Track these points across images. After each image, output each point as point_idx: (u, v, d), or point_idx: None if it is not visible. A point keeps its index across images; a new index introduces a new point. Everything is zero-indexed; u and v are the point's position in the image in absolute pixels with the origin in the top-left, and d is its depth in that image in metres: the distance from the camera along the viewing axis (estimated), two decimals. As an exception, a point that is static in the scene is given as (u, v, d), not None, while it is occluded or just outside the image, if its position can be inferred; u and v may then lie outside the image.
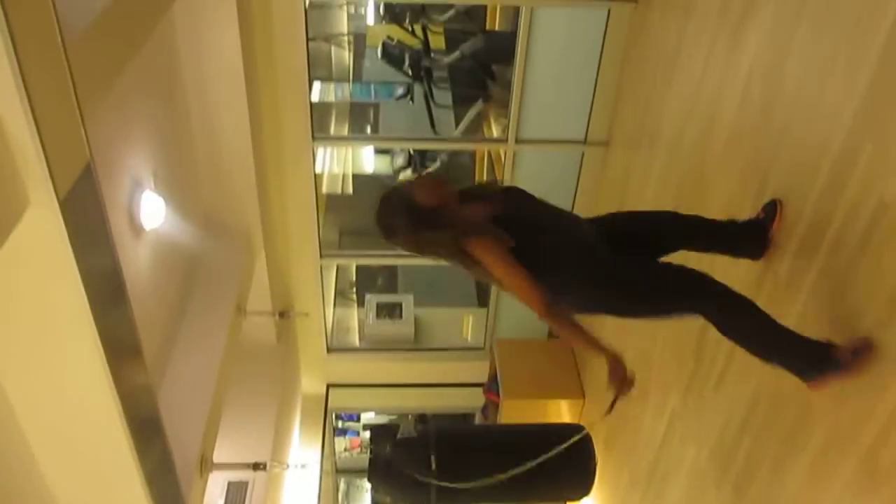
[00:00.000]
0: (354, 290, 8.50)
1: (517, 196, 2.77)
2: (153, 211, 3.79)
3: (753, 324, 2.63)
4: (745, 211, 3.27)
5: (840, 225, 2.62)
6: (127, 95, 3.51)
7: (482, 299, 7.23)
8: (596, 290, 2.63)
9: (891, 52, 2.38)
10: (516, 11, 5.06)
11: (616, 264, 2.64)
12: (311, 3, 5.21)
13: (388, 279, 8.66)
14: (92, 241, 2.51)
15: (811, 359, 2.54)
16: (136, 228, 3.74)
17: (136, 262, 3.82)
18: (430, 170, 2.35)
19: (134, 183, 3.72)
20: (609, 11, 4.93)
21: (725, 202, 3.48)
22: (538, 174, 5.92)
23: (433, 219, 2.50)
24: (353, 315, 7.68)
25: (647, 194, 4.62)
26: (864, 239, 2.48)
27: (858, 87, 2.53)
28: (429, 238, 2.54)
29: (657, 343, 4.37)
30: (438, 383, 7.13)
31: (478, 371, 6.81)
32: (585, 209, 5.89)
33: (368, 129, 9.66)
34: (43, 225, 2.19)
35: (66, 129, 2.17)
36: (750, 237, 3.04)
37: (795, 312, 2.87)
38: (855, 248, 2.53)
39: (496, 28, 7.60)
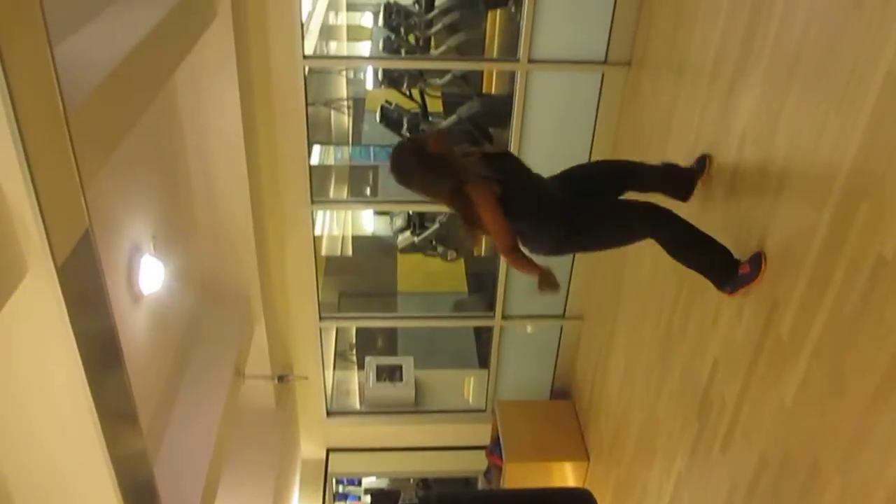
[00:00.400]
0: (354, 351, 8.45)
1: (502, 158, 3.32)
2: (152, 275, 3.78)
3: (695, 249, 3.35)
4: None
5: (841, 282, 2.61)
6: (128, 159, 3.55)
7: (483, 360, 7.18)
8: (560, 230, 3.24)
9: (881, 111, 2.41)
10: (512, 76, 5.14)
11: (576, 206, 3.27)
12: (310, 70, 5.28)
13: (388, 340, 8.62)
14: (88, 306, 2.49)
15: (730, 276, 3.26)
16: (135, 293, 3.73)
17: (134, 327, 3.80)
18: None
19: (133, 247, 3.73)
20: (603, 75, 5.01)
21: (725, 260, 3.47)
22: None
23: (440, 164, 3.04)
24: (354, 377, 7.61)
25: (645, 254, 4.62)
26: (865, 296, 2.47)
27: (851, 145, 2.55)
28: (435, 179, 3.06)
29: (661, 398, 4.32)
30: (440, 447, 7.03)
31: (480, 433, 6.72)
32: (584, 266, 5.90)
33: (368, 191, 9.74)
34: (39, 291, 2.18)
35: (65, 195, 2.18)
36: (681, 183, 3.67)
37: (799, 373, 2.84)
38: (857, 306, 2.52)
39: (492, 92, 7.72)
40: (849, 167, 2.57)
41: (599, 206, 3.34)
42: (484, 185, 3.03)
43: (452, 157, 3.10)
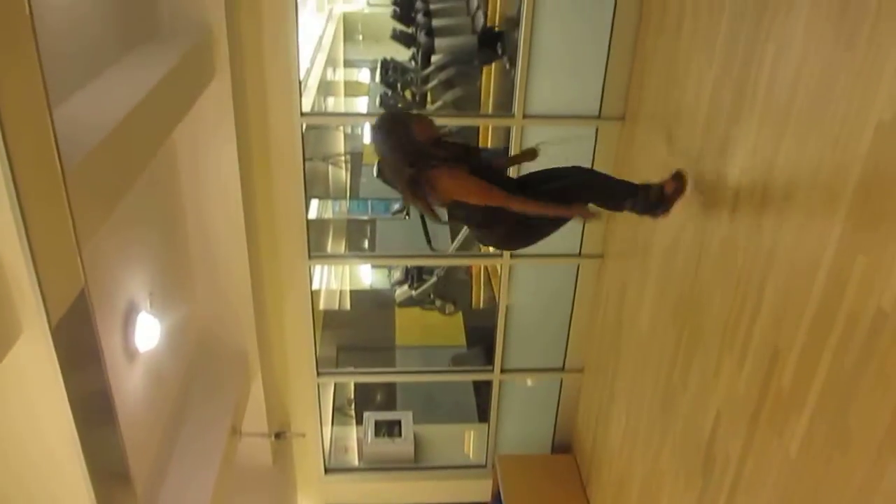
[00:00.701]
0: (353, 406, 8.37)
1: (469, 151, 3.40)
2: (148, 333, 3.76)
3: (628, 201, 3.68)
4: (744, 324, 3.27)
5: (841, 333, 2.59)
6: (125, 215, 3.55)
7: (483, 414, 7.09)
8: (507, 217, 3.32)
9: (874, 161, 2.43)
10: (508, 131, 5.19)
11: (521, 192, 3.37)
12: (308, 125, 5.34)
13: (386, 395, 8.54)
14: (82, 366, 2.48)
15: (656, 205, 3.68)
16: (130, 350, 3.71)
17: (129, 384, 3.76)
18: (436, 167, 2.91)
19: (129, 304, 3.71)
20: (597, 130, 5.07)
21: (726, 313, 3.46)
22: (534, 287, 5.94)
23: (418, 150, 3.11)
24: (352, 433, 7.52)
25: (643, 307, 4.62)
26: (866, 348, 2.46)
27: (845, 196, 2.56)
28: (403, 163, 3.11)
29: (664, 453, 4.26)
30: (441, 503, 6.90)
31: (481, 489, 6.61)
32: (583, 318, 5.88)
33: (366, 244, 9.78)
34: (33, 352, 2.17)
35: (61, 256, 2.18)
36: (656, 204, 3.76)
37: (803, 426, 2.81)
38: (858, 358, 2.50)
39: (489, 146, 7.79)
40: (843, 219, 2.58)
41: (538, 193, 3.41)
42: (457, 168, 3.13)
43: (431, 146, 3.16)
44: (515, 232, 3.47)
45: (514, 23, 5.72)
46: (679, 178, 3.76)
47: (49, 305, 2.08)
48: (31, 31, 1.94)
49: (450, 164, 3.14)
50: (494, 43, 7.47)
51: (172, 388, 4.48)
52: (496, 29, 7.59)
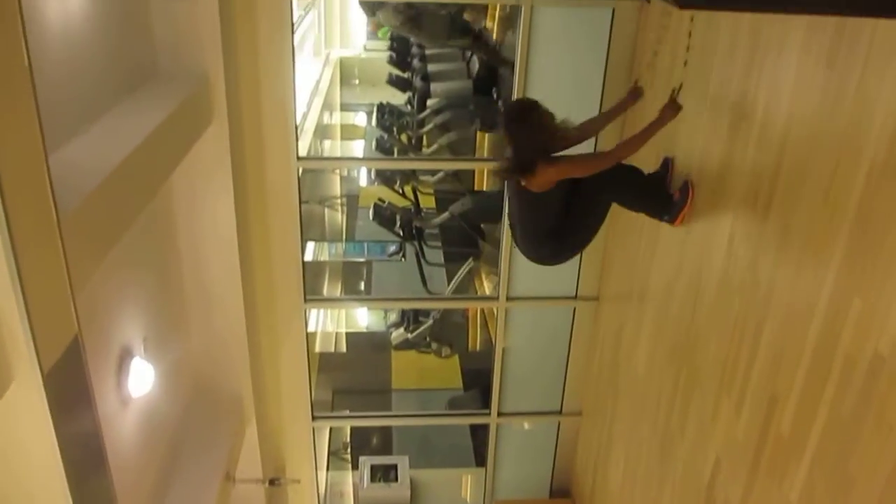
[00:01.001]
0: (349, 450, 8.28)
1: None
2: (141, 378, 3.73)
3: (650, 202, 3.93)
4: (741, 368, 3.25)
5: (838, 380, 2.58)
6: (120, 260, 3.54)
7: (480, 458, 7.01)
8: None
9: (868, 203, 2.44)
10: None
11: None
12: (304, 169, 5.37)
13: (382, 439, 8.45)
14: (74, 412, 2.45)
15: (668, 208, 3.84)
16: (123, 396, 3.67)
17: (122, 430, 3.72)
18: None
19: (123, 350, 3.69)
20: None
21: (723, 357, 3.45)
22: (530, 329, 5.92)
23: (544, 139, 3.38)
24: (348, 478, 7.43)
25: (640, 350, 4.60)
26: (864, 394, 2.44)
27: (840, 239, 2.57)
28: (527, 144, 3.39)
29: (664, 498, 4.20)
30: (437, 550, 6.80)
31: (478, 536, 6.51)
32: (580, 361, 5.86)
33: (362, 285, 9.76)
34: (25, 398, 2.15)
35: (55, 303, 2.17)
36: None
37: (803, 472, 2.78)
38: (857, 404, 2.48)
39: (484, 188, 7.84)
40: (838, 263, 2.58)
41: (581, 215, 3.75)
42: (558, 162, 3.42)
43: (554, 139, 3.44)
44: (561, 247, 3.84)
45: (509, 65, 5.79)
46: (686, 190, 3.78)
47: (41, 353, 2.06)
48: (30, 82, 1.96)
49: (557, 159, 3.43)
50: (489, 88, 7.57)
51: (165, 434, 4.43)
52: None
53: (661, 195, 3.93)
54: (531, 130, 3.37)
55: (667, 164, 4.04)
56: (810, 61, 2.78)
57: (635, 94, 3.89)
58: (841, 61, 2.59)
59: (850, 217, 2.52)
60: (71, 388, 2.40)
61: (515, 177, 3.48)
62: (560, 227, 3.69)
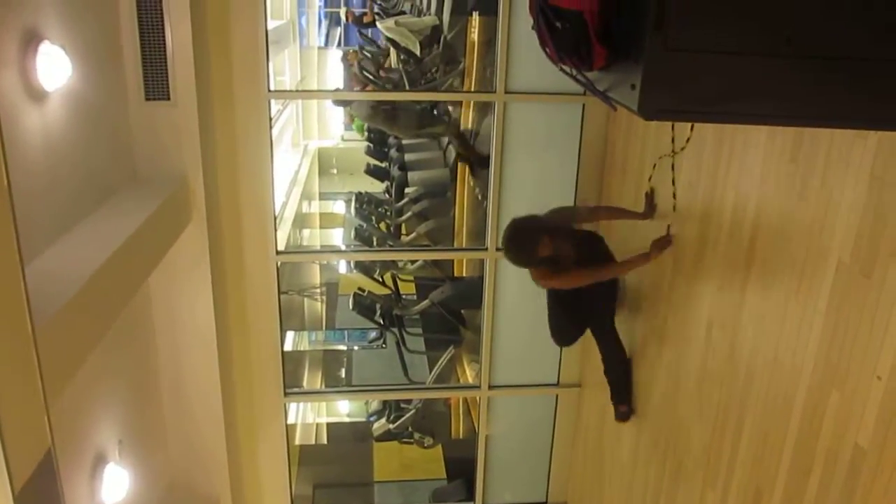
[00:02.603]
0: (330, 548, 8.02)
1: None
2: (116, 485, 3.63)
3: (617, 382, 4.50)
4: (725, 460, 3.23)
5: (822, 471, 2.57)
6: (96, 363, 3.50)
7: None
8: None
9: (836, 304, 2.49)
10: (482, 260, 5.28)
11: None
12: (283, 263, 5.38)
13: (365, 535, 8.22)
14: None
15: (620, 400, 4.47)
16: (98, 505, 3.57)
17: (95, 541, 3.60)
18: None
19: (97, 455, 3.60)
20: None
21: (706, 447, 3.43)
22: (514, 417, 5.86)
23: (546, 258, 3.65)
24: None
25: (624, 439, 4.56)
26: (847, 486, 2.43)
27: (814, 333, 2.60)
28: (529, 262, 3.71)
29: None
30: None
31: None
32: (564, 449, 5.79)
33: (343, 373, 9.67)
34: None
35: (28, 419, 2.13)
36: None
37: (792, 566, 2.74)
38: (840, 496, 2.47)
39: (464, 275, 7.87)
40: (814, 356, 2.61)
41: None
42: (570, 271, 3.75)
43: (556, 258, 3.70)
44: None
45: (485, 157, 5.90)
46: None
47: (13, 472, 2.01)
48: (9, 202, 1.98)
49: (557, 268, 3.72)
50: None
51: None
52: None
53: (626, 388, 4.49)
54: (527, 255, 3.66)
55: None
56: (774, 156, 2.88)
57: (649, 210, 4.08)
58: (803, 157, 2.68)
59: (823, 308, 2.57)
60: (44, 502, 2.34)
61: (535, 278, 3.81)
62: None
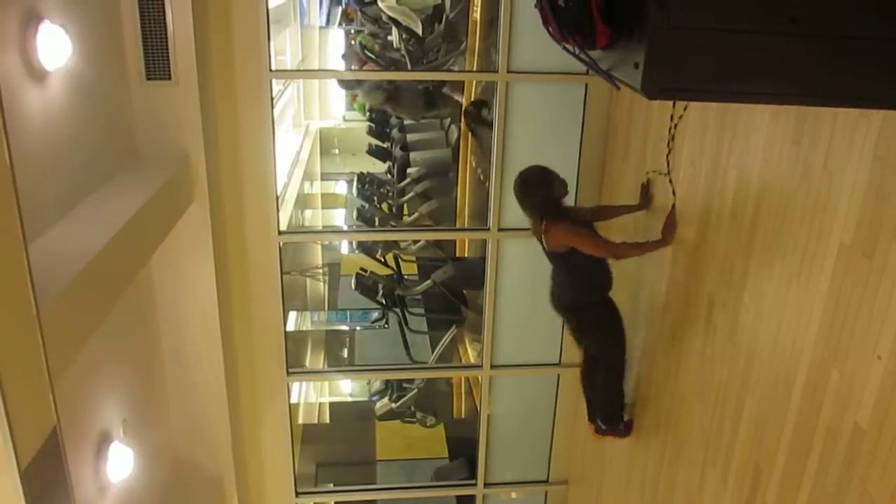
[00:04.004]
0: (333, 525, 8.08)
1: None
2: (121, 463, 3.66)
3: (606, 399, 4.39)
4: (725, 440, 3.25)
5: (821, 450, 2.59)
6: (100, 343, 3.52)
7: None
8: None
9: (838, 283, 2.49)
10: (484, 240, 5.28)
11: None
12: (285, 243, 5.38)
13: (367, 512, 8.28)
14: (52, 503, 2.40)
15: (613, 418, 4.41)
16: (102, 482, 3.60)
17: (101, 518, 3.64)
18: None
19: (102, 434, 3.63)
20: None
21: (706, 427, 3.45)
22: (516, 396, 5.89)
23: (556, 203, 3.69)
24: (332, 555, 7.24)
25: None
26: (847, 466, 2.45)
27: (815, 314, 2.61)
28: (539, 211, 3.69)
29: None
30: None
31: None
32: (566, 428, 5.82)
33: (345, 353, 9.69)
34: (1, 494, 2.10)
35: (33, 397, 2.15)
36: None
37: (790, 544, 2.76)
38: (840, 476, 2.48)
39: (465, 255, 7.87)
40: (815, 335, 2.62)
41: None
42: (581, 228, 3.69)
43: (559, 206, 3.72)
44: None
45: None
46: (627, 429, 4.41)
47: (19, 450, 2.03)
48: (11, 181, 1.98)
49: (571, 221, 3.69)
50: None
51: (145, 518, 4.33)
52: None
53: (617, 407, 4.39)
54: (542, 195, 3.66)
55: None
56: (777, 137, 2.87)
57: (645, 201, 4.08)
58: (806, 137, 2.68)
59: (824, 289, 2.57)
60: (49, 481, 2.36)
61: (536, 226, 3.74)
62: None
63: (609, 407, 4.39)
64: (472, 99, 7.45)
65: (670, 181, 3.76)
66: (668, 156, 3.77)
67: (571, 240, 3.67)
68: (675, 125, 3.66)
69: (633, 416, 4.40)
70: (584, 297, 3.97)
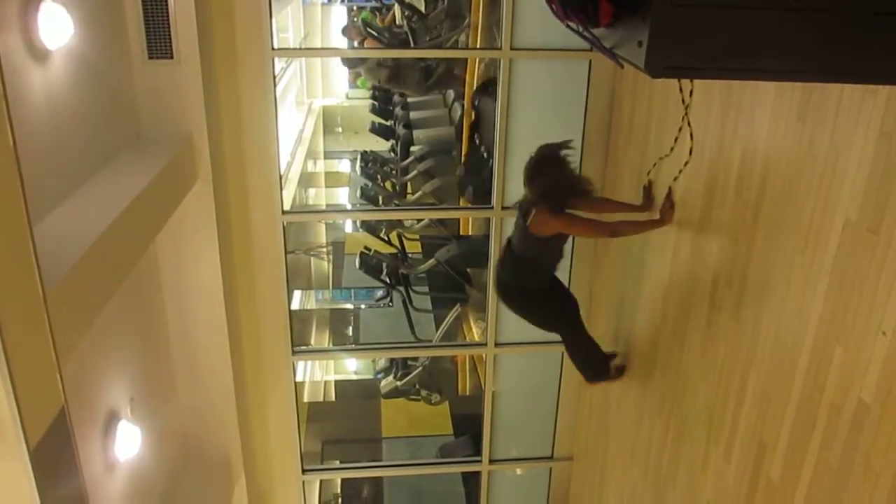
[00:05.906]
0: (339, 502, 8.17)
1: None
2: (128, 441, 3.69)
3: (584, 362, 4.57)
4: (729, 416, 3.27)
5: (825, 426, 2.60)
6: (106, 323, 3.54)
7: (472, 505, 6.93)
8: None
9: (843, 259, 2.48)
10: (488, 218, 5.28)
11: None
12: (289, 222, 5.39)
13: (373, 489, 8.35)
14: (60, 482, 2.43)
15: (598, 372, 4.58)
16: (110, 460, 3.63)
17: (109, 495, 3.67)
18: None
19: (110, 413, 3.66)
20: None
21: (710, 404, 3.47)
22: (520, 374, 5.91)
23: (563, 185, 3.62)
24: (339, 531, 7.32)
25: (629, 394, 4.60)
26: (851, 441, 2.46)
27: (819, 290, 2.61)
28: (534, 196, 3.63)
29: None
30: None
31: (473, 588, 6.41)
32: (570, 404, 5.85)
33: (350, 331, 9.73)
34: (11, 472, 2.13)
35: (41, 378, 2.17)
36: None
37: (793, 519, 2.78)
38: (844, 451, 2.50)
39: (469, 233, 7.87)
40: (820, 311, 2.62)
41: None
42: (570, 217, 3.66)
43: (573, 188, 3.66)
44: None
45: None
46: (620, 372, 4.57)
47: (28, 429, 2.05)
48: (15, 162, 1.98)
49: (565, 211, 3.64)
50: (472, 134, 7.62)
51: (153, 498, 4.37)
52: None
53: (596, 364, 4.53)
54: (551, 179, 3.58)
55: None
56: (782, 113, 2.85)
57: (647, 202, 4.04)
58: (811, 114, 2.66)
59: (829, 265, 2.57)
60: (57, 460, 2.39)
61: (527, 209, 3.67)
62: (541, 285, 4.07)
63: (588, 368, 4.58)
64: (477, 78, 7.40)
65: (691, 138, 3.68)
66: (689, 136, 3.71)
67: (563, 229, 3.68)
68: (688, 105, 3.61)
69: (625, 362, 4.58)
70: (534, 280, 4.01)
